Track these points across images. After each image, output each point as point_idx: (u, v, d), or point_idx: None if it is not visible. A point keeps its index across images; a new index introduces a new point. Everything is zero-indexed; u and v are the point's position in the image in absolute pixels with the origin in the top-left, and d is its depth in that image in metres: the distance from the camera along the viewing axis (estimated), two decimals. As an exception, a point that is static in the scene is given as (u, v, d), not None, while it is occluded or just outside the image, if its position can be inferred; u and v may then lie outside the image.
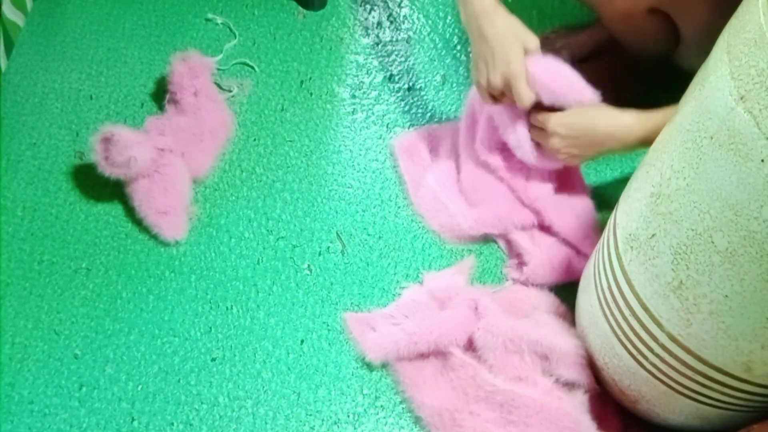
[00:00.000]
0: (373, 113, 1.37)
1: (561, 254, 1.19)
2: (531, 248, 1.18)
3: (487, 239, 1.23)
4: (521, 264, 1.19)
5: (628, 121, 1.09)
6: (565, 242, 1.20)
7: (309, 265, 1.19)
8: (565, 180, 1.24)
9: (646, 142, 1.03)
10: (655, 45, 1.24)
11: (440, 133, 1.32)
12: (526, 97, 1.09)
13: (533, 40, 1.10)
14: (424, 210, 1.24)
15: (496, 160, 1.21)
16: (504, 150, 1.21)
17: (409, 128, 1.34)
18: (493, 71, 1.10)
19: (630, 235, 0.90)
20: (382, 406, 1.08)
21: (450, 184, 1.25)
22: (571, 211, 1.21)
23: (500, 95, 1.13)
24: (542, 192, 1.21)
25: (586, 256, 1.17)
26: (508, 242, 1.22)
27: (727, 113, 0.72)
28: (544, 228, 1.21)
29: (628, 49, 1.28)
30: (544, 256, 1.18)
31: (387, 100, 1.38)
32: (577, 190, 1.24)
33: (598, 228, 1.21)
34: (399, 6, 1.52)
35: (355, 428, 1.06)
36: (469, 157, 1.24)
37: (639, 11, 1.15)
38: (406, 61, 1.44)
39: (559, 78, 1.11)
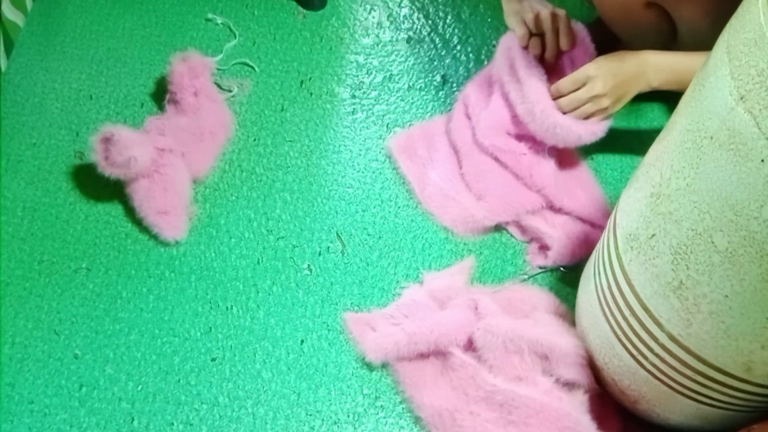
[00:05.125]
0: (373, 113, 1.37)
1: (577, 230, 1.20)
2: (549, 230, 1.20)
3: (498, 229, 1.24)
4: (543, 248, 1.20)
5: (653, 60, 1.15)
6: (579, 218, 1.22)
7: (309, 265, 1.19)
8: (563, 158, 1.26)
9: (673, 83, 1.13)
10: (653, 39, 1.24)
11: (433, 129, 1.32)
12: (572, 35, 1.20)
13: None
14: (434, 207, 1.25)
15: (503, 144, 1.23)
16: (508, 139, 1.23)
17: (408, 128, 1.34)
18: (543, 6, 1.20)
19: (630, 235, 0.90)
20: (382, 406, 1.08)
21: (455, 179, 1.25)
22: (579, 189, 1.23)
23: (535, 36, 1.22)
24: (547, 179, 1.22)
25: (600, 228, 1.19)
26: (522, 228, 1.23)
27: (727, 113, 0.72)
28: (555, 209, 1.23)
29: (627, 43, 1.29)
30: (563, 236, 1.19)
31: (387, 100, 1.38)
32: (576, 164, 1.27)
33: (606, 199, 1.25)
34: (399, 6, 1.52)
35: (355, 428, 1.06)
36: (470, 149, 1.25)
37: (636, 5, 1.16)
38: (406, 61, 1.44)
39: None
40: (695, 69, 0.89)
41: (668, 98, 1.32)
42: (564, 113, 1.18)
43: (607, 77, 1.15)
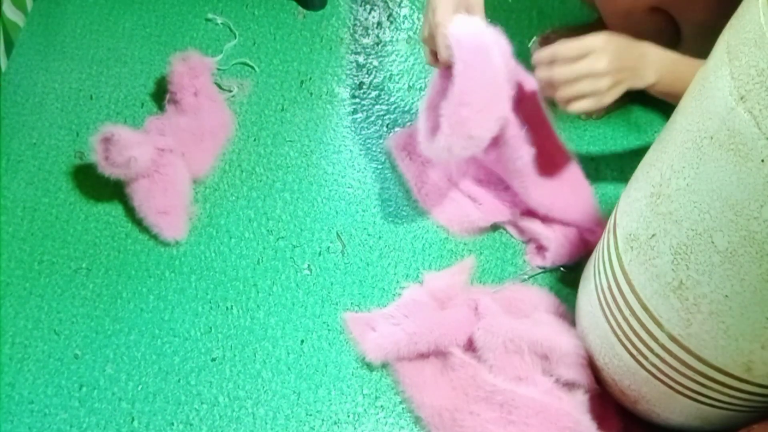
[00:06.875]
0: (373, 113, 1.37)
1: (574, 230, 1.20)
2: (546, 231, 1.20)
3: (495, 228, 1.24)
4: (540, 249, 1.20)
5: (653, 55, 1.02)
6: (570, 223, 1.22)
7: (309, 265, 1.19)
8: (551, 161, 1.23)
9: (667, 86, 1.00)
10: (654, 43, 1.24)
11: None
12: (442, 52, 1.02)
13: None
14: (431, 206, 1.25)
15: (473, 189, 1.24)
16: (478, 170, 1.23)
17: (408, 126, 1.34)
18: (424, 21, 1.05)
19: (630, 235, 0.90)
20: (382, 406, 1.08)
21: (453, 178, 1.25)
22: (569, 195, 1.22)
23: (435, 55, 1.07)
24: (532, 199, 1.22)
25: (593, 232, 1.19)
26: (519, 228, 1.23)
27: (727, 113, 0.72)
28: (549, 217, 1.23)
29: None
30: (560, 236, 1.19)
31: (387, 100, 1.38)
32: (566, 169, 1.24)
33: (596, 202, 1.23)
34: (399, 6, 1.52)
35: (355, 428, 1.06)
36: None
37: (640, 10, 1.15)
38: (406, 61, 1.44)
39: (476, 49, 1.02)
40: (691, 76, 0.82)
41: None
42: (555, 87, 1.00)
43: (614, 56, 0.97)
